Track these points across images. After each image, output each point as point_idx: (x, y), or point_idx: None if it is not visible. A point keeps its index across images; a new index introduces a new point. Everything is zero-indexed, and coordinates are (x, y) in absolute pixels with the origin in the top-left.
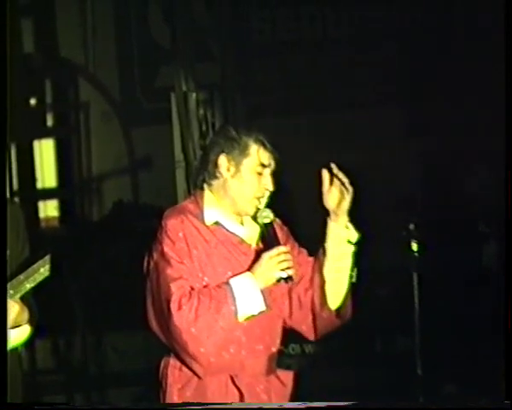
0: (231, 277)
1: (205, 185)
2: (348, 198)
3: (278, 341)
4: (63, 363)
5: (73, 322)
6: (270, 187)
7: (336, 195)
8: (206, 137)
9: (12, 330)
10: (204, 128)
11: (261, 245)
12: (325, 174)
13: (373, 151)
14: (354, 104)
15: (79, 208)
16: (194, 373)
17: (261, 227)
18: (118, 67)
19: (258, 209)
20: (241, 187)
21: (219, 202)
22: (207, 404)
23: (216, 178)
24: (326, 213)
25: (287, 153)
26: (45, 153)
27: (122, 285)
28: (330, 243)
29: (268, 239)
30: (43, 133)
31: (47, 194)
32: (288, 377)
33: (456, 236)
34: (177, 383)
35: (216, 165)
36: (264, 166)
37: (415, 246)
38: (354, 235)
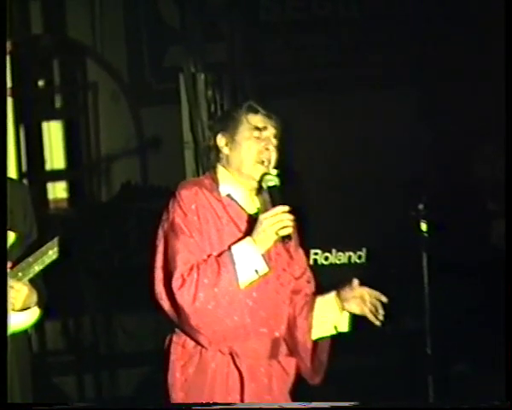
0: None
1: (217, 164)
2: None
3: (283, 327)
4: (73, 344)
5: (83, 303)
6: (271, 148)
7: (360, 303)
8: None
9: (21, 313)
10: (213, 109)
11: None
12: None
13: (383, 132)
14: (366, 85)
15: (88, 189)
16: (200, 345)
17: (265, 190)
18: (126, 48)
19: (265, 174)
20: (240, 155)
21: (232, 177)
22: (210, 404)
23: (220, 159)
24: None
25: (297, 133)
26: (54, 134)
27: (132, 266)
28: (318, 312)
29: (272, 202)
30: (52, 114)
31: (56, 175)
32: (290, 363)
33: (466, 215)
34: (179, 360)
35: (217, 147)
36: (258, 129)
37: (424, 226)
38: (344, 326)
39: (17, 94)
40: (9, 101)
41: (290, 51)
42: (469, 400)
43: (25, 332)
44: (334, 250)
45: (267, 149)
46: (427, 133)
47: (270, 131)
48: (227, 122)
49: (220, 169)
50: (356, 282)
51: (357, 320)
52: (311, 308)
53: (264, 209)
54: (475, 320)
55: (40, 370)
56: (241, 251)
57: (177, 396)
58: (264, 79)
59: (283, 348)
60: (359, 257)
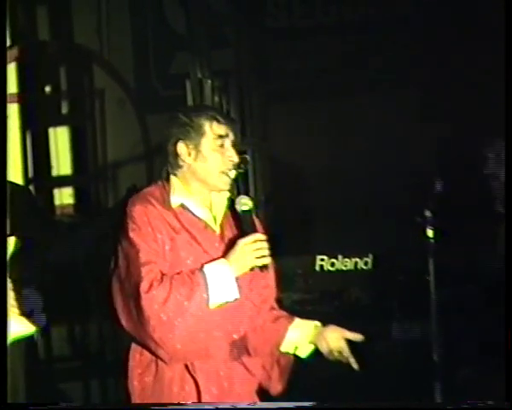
0: (193, 262)
1: (170, 175)
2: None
3: (242, 328)
4: (79, 350)
5: (89, 309)
6: (235, 158)
7: (331, 353)
8: None
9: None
10: None
11: (226, 232)
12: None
13: (388, 136)
14: (370, 89)
15: (95, 196)
16: (160, 359)
17: (239, 215)
18: (133, 54)
19: (240, 198)
20: (206, 166)
21: (186, 187)
22: (209, 403)
23: (180, 166)
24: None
25: (304, 137)
26: (60, 140)
27: None
28: (292, 328)
29: (245, 227)
30: (59, 120)
31: (62, 181)
32: (255, 365)
33: (472, 222)
34: (137, 368)
35: (176, 154)
36: (221, 136)
37: (430, 232)
38: (305, 352)
39: (24, 100)
40: (16, 107)
41: (296, 57)
42: (470, 400)
43: (31, 338)
44: (340, 256)
45: (231, 160)
46: (433, 138)
47: (231, 138)
48: (188, 131)
49: (173, 180)
50: (342, 343)
51: (359, 323)
52: (289, 322)
53: (242, 231)
54: (482, 326)
55: (46, 376)
56: (215, 273)
57: None
58: (270, 85)
59: (245, 350)
60: (365, 263)
